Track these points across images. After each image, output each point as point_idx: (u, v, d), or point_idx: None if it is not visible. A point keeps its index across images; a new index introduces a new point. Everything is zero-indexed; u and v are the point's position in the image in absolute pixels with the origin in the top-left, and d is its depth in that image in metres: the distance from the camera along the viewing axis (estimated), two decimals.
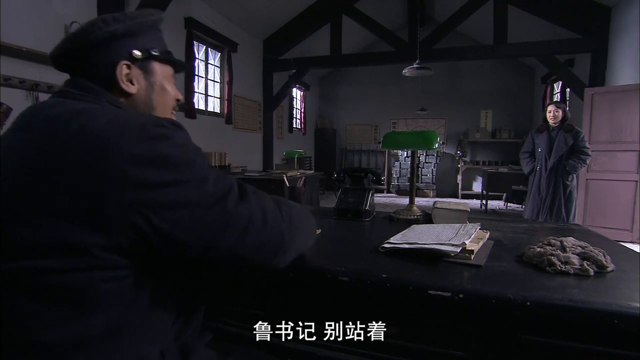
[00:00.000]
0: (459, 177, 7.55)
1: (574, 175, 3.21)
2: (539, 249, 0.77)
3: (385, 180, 8.36)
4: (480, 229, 0.99)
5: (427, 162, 7.69)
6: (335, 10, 5.32)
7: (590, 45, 4.38)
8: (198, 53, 4.51)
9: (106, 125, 0.44)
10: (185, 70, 0.67)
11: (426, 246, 0.82)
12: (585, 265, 0.68)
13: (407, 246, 0.84)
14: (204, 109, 4.64)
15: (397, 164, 7.96)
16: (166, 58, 0.67)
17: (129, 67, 0.59)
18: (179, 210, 0.43)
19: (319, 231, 1.02)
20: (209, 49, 4.75)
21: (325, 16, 5.41)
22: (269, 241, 0.51)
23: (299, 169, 4.69)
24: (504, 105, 7.50)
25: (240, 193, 0.49)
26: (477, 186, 7.71)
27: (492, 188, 5.62)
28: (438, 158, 7.70)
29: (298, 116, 7.90)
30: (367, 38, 7.08)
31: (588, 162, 3.16)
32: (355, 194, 1.30)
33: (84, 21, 1.89)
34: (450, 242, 0.83)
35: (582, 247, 0.75)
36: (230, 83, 4.89)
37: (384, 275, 0.67)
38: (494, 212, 5.81)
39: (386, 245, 0.85)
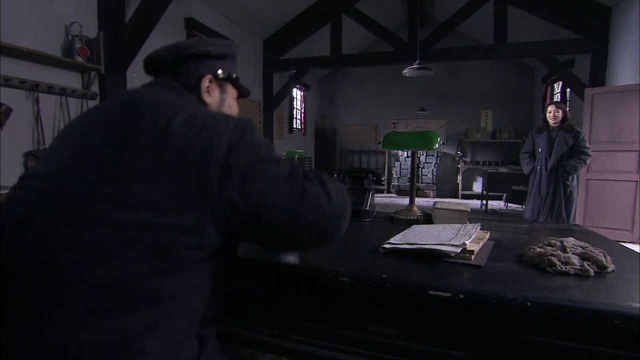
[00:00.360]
0: (459, 178, 7.55)
1: (574, 176, 3.21)
2: (539, 249, 0.77)
3: (386, 181, 8.36)
4: (480, 229, 0.99)
5: (427, 163, 7.69)
6: (335, 11, 5.32)
7: (590, 45, 4.38)
8: None
9: (209, 115, 0.54)
10: (246, 96, 0.76)
11: (426, 246, 0.82)
12: (586, 265, 0.68)
13: (407, 246, 0.84)
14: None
15: (397, 164, 7.96)
16: (238, 83, 0.84)
17: (211, 81, 0.74)
18: (265, 184, 0.51)
19: None
20: None
21: (325, 16, 5.41)
22: (335, 213, 0.57)
23: None
24: (504, 105, 7.50)
25: (304, 172, 0.56)
26: (477, 186, 7.71)
27: (493, 188, 5.62)
28: (438, 158, 7.70)
29: (298, 116, 7.90)
30: (367, 38, 7.08)
31: (588, 162, 3.16)
32: (356, 194, 1.30)
33: (84, 21, 1.91)
34: (451, 242, 0.83)
35: (583, 248, 0.75)
36: None
37: (384, 276, 0.67)
38: (494, 212, 5.81)
39: (386, 246, 0.86)
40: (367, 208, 1.25)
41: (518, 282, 0.65)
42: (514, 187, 5.37)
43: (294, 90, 7.46)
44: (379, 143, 8.51)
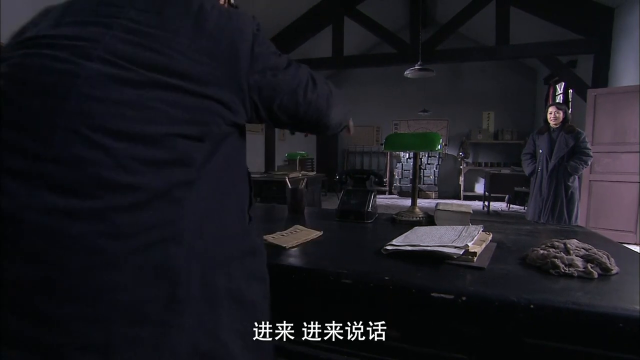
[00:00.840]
0: (461, 179, 7.54)
1: (576, 177, 3.22)
2: (542, 252, 0.77)
3: (387, 182, 8.35)
4: (482, 231, 0.98)
5: (429, 164, 7.69)
6: (337, 12, 5.33)
7: (593, 46, 4.37)
8: None
9: (228, 8, 0.59)
10: None
11: (429, 248, 0.81)
12: (589, 267, 0.68)
13: (409, 248, 0.84)
14: None
15: (399, 165, 7.96)
16: None
17: None
18: (278, 71, 0.59)
19: (320, 232, 1.02)
20: None
21: (327, 18, 5.42)
22: (324, 95, 0.67)
23: (301, 170, 4.69)
24: (506, 106, 7.49)
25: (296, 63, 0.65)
26: (479, 187, 7.69)
27: (495, 189, 5.61)
28: (440, 159, 7.69)
29: None
30: (368, 40, 7.09)
31: (589, 163, 3.16)
32: (358, 196, 1.30)
33: None
34: (453, 244, 0.82)
35: (586, 250, 0.75)
36: None
37: (386, 278, 0.67)
38: (496, 213, 5.80)
39: (388, 248, 0.85)
40: (369, 209, 1.25)
41: (521, 284, 0.65)
42: (516, 189, 5.36)
43: None
44: (381, 144, 8.50)
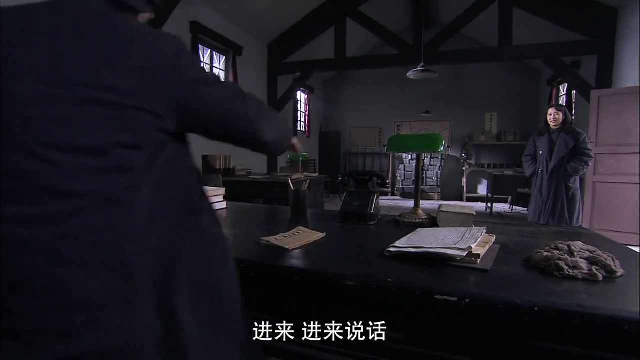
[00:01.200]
0: (464, 180, 7.52)
1: (577, 177, 3.22)
2: (546, 253, 0.77)
3: (390, 183, 8.33)
4: (486, 232, 0.98)
5: (431, 165, 7.67)
6: (340, 14, 5.34)
7: (596, 47, 4.35)
8: (203, 57, 4.55)
9: (158, 33, 0.62)
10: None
11: (432, 250, 0.81)
12: (594, 270, 0.67)
13: (412, 250, 0.84)
14: None
15: (401, 166, 7.95)
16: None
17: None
18: (203, 84, 0.62)
19: (322, 234, 1.01)
20: (214, 52, 4.79)
21: (329, 19, 5.43)
22: (253, 110, 0.70)
23: (304, 172, 4.69)
24: (509, 107, 7.47)
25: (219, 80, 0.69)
26: (482, 189, 7.67)
27: (498, 191, 5.59)
28: (443, 161, 7.67)
29: (303, 119, 7.93)
30: (371, 41, 7.09)
31: (590, 163, 3.15)
32: (360, 197, 1.30)
33: None
34: (456, 246, 0.82)
35: (591, 252, 0.74)
36: None
37: (389, 280, 0.67)
38: (499, 215, 5.77)
39: (392, 249, 0.85)
40: (372, 211, 1.25)
41: (525, 286, 0.65)
42: (519, 190, 5.34)
43: (299, 93, 7.48)
44: (384, 146, 8.49)
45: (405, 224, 1.23)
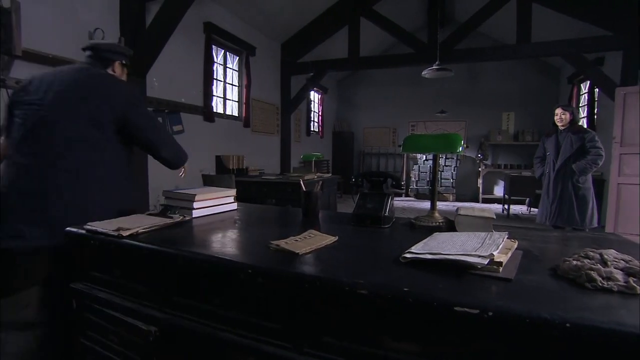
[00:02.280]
0: (480, 181, 7.35)
1: (588, 177, 3.14)
2: (575, 262, 0.71)
3: (404, 184, 8.22)
4: (507, 237, 0.93)
5: (446, 166, 7.53)
6: (354, 13, 5.29)
7: (621, 42, 4.17)
8: (217, 57, 4.56)
9: (120, 82, 1.46)
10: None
11: (451, 257, 0.77)
12: (632, 282, 0.62)
13: (430, 257, 0.79)
14: (222, 112, 4.69)
15: (415, 167, 7.83)
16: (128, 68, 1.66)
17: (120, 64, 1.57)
18: (145, 120, 1.43)
19: (334, 238, 0.97)
20: (228, 52, 4.81)
21: (343, 19, 5.39)
22: (157, 138, 1.45)
23: (317, 172, 4.66)
24: (527, 106, 7.27)
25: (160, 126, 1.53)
26: (498, 190, 7.48)
27: (515, 192, 5.44)
28: (458, 161, 7.53)
29: (316, 119, 7.90)
30: (385, 40, 7.02)
31: (600, 162, 3.03)
32: (374, 200, 1.25)
33: (106, 28, 2.39)
34: (477, 252, 0.77)
35: (626, 261, 0.68)
36: (248, 87, 4.94)
37: (405, 289, 0.63)
38: (516, 217, 5.62)
39: (407, 255, 0.81)
40: (386, 214, 1.20)
41: (554, 299, 0.60)
42: (537, 191, 5.17)
43: (312, 93, 7.46)
44: (399, 146, 8.40)
45: (421, 228, 1.18)
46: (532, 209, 5.89)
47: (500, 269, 0.75)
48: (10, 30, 2.02)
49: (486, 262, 0.73)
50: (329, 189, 4.69)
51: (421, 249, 0.85)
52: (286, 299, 0.74)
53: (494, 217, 1.11)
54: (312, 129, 7.43)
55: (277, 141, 5.94)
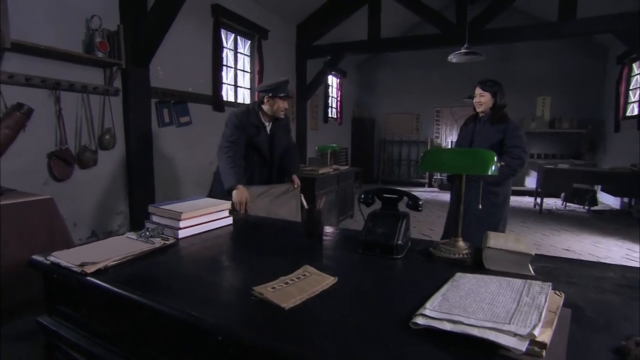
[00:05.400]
0: None
1: (507, 183, 2.35)
2: None
3: (427, 175, 7.88)
4: (552, 289, 0.72)
5: None
6: None
7: None
8: (226, 42, 4.35)
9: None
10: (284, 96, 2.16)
11: (476, 333, 0.58)
12: None
13: (449, 327, 0.61)
14: (233, 100, 4.51)
15: None
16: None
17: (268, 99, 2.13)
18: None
19: (333, 280, 0.80)
20: (238, 37, 4.58)
21: None
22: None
23: (332, 164, 4.46)
24: (567, 90, 6.66)
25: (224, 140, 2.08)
26: (530, 182, 7.03)
27: (549, 186, 5.03)
28: None
29: (334, 105, 7.62)
30: (408, 19, 6.57)
31: (524, 165, 2.21)
32: (386, 222, 1.07)
33: (106, 13, 2.48)
34: (512, 323, 0.58)
35: None
36: (260, 73, 4.72)
37: None
38: (550, 213, 5.22)
39: (419, 321, 0.63)
40: (399, 241, 1.01)
41: None
42: (575, 185, 4.78)
43: (330, 77, 7.16)
44: (421, 133, 8.03)
45: (440, 260, 0.99)
46: (568, 204, 5.47)
47: (544, 352, 0.56)
48: None
49: (524, 349, 0.54)
50: (347, 183, 4.50)
51: (437, 309, 0.66)
52: None
53: (533, 253, 0.90)
54: (330, 115, 7.17)
55: (292, 130, 5.74)
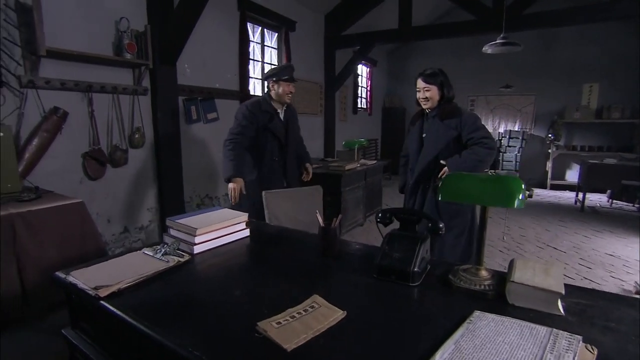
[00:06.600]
0: (549, 164, 6.50)
1: None
2: None
3: None
4: (582, 343, 0.65)
5: (510, 146, 6.75)
6: None
7: None
8: (253, 35, 4.32)
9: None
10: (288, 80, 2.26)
11: None
12: None
13: None
14: (260, 94, 4.51)
15: None
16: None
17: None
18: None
19: (342, 314, 0.76)
20: (265, 30, 4.54)
21: None
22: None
23: (360, 159, 4.38)
24: (616, 76, 6.09)
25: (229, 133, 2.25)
26: (571, 175, 6.58)
27: (593, 182, 4.68)
28: (524, 142, 6.69)
29: (364, 95, 7.45)
30: (441, 6, 6.24)
31: (488, 160, 1.89)
32: (403, 246, 1.01)
33: (134, 14, 2.55)
34: None
35: None
36: None
37: None
38: (593, 210, 4.86)
39: None
40: (416, 268, 0.96)
41: None
42: (623, 182, 4.41)
43: (359, 66, 6.98)
44: None
45: (459, 290, 0.92)
46: (615, 202, 5.07)
47: None
48: (33, 29, 1.98)
49: None
50: (374, 179, 4.41)
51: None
52: None
53: (562, 292, 0.81)
54: (359, 105, 7.02)
55: (320, 122, 5.68)
